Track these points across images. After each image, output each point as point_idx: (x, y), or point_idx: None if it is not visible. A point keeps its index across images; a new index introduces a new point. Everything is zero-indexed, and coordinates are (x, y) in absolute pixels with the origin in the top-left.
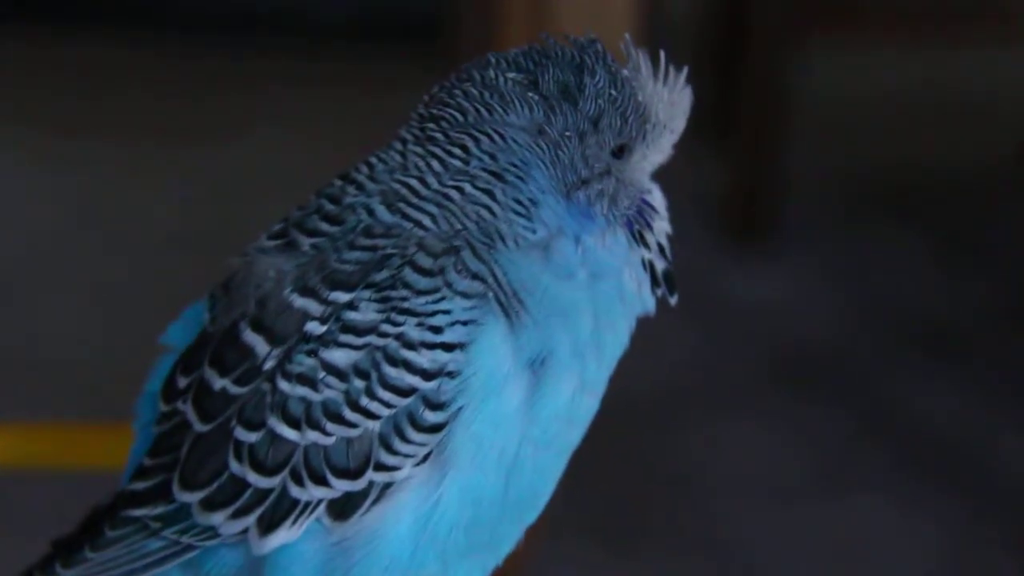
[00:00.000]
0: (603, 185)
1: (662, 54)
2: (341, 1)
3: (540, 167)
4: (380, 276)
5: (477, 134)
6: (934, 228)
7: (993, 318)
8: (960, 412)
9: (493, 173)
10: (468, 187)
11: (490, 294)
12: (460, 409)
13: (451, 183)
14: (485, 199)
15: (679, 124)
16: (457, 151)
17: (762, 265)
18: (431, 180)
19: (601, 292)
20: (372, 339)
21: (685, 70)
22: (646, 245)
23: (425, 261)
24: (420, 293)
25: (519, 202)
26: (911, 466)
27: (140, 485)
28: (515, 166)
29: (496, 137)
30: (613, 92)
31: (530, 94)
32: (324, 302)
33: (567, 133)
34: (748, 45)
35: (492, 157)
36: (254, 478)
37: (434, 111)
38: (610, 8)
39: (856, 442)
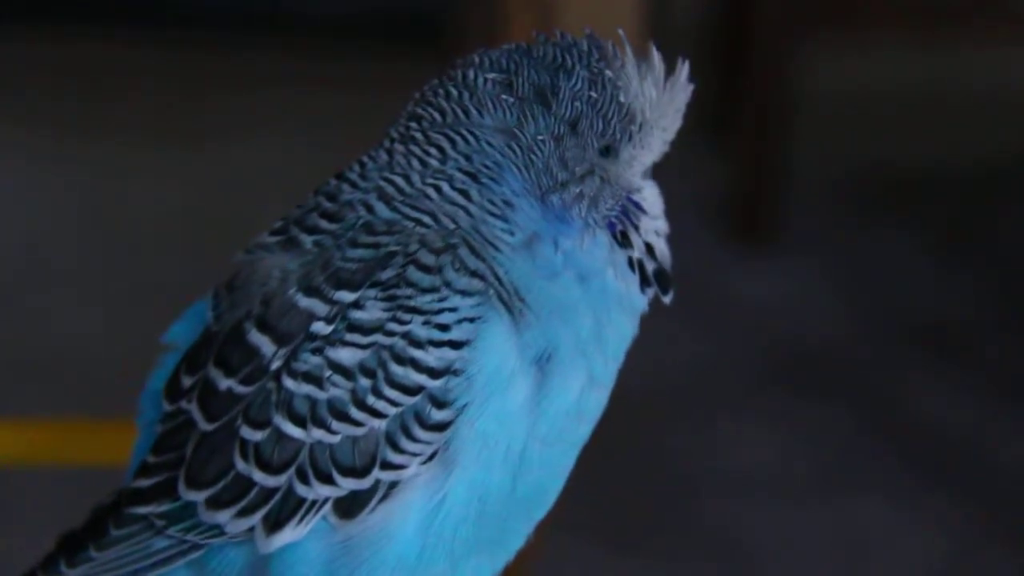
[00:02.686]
0: (582, 188)
1: (654, 52)
2: (344, 0)
3: (512, 170)
4: (385, 275)
5: (453, 135)
6: (937, 227)
7: (996, 318)
8: (962, 412)
9: (469, 174)
10: (445, 187)
11: (491, 291)
12: (465, 406)
13: (430, 181)
14: (461, 199)
15: (671, 124)
16: (434, 151)
17: (764, 264)
18: (415, 178)
19: (592, 291)
20: (378, 338)
21: (682, 68)
22: (630, 245)
23: (428, 258)
24: (425, 291)
25: (494, 203)
26: (913, 466)
27: (144, 482)
28: (488, 168)
29: (471, 139)
30: (592, 94)
31: (504, 96)
32: (329, 302)
33: (540, 137)
34: (751, 43)
35: (467, 158)
36: (260, 477)
37: (417, 110)
38: (613, 6)
39: (858, 442)
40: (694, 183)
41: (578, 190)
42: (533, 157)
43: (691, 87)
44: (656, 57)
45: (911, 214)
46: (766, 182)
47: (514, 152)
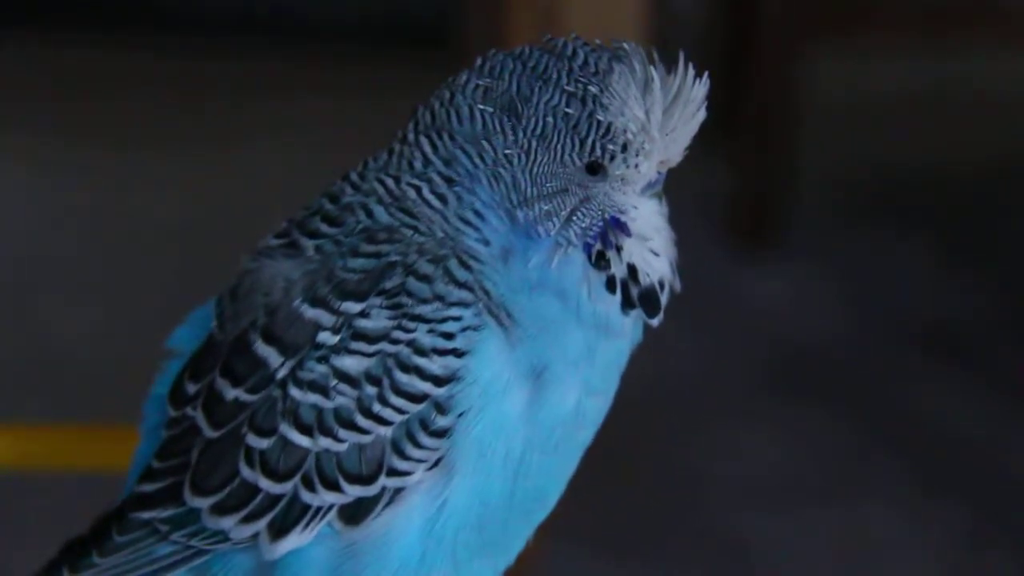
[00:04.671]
0: (553, 205)
1: (654, 73)
2: (346, 5)
3: (481, 182)
4: (390, 283)
5: (436, 139)
6: (939, 230)
7: (1000, 321)
8: (965, 415)
9: (447, 179)
10: (425, 189)
11: (481, 304)
12: (463, 414)
13: (413, 183)
14: (438, 204)
15: (666, 148)
16: (418, 154)
17: (767, 267)
18: (403, 179)
19: (570, 309)
20: (384, 346)
21: (691, 89)
22: (607, 267)
23: (426, 268)
24: (426, 300)
25: (465, 212)
26: (916, 469)
27: (148, 487)
28: (461, 176)
29: (450, 144)
30: (568, 110)
31: (480, 106)
32: (335, 312)
33: (507, 151)
34: (755, 48)
35: (446, 164)
36: (266, 484)
37: (418, 111)
38: (617, 11)
39: (861, 445)
40: (699, 186)
41: (547, 207)
42: (501, 171)
43: (701, 112)
44: (656, 76)
45: (914, 218)
46: (770, 186)
47: (484, 163)
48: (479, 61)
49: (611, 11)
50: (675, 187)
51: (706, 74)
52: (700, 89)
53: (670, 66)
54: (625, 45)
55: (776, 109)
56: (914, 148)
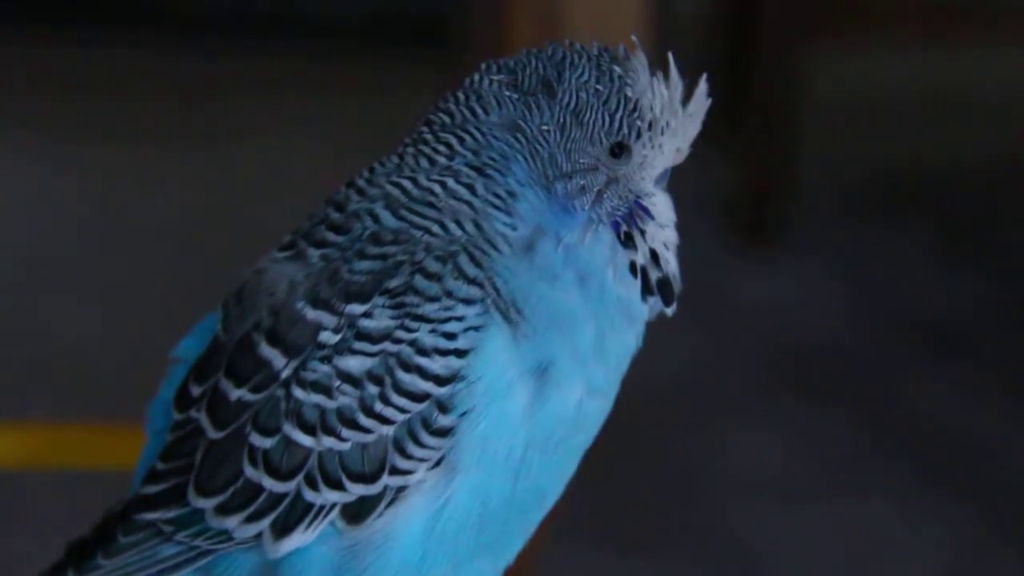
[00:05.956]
0: (587, 180)
1: (671, 57)
2: (347, 4)
3: (518, 160)
4: (394, 283)
5: (461, 133)
6: (941, 228)
7: (1002, 319)
8: (966, 413)
9: (475, 168)
10: (451, 182)
11: (489, 300)
12: (466, 413)
13: (436, 178)
14: (466, 193)
15: (683, 126)
16: (443, 149)
17: (768, 265)
18: (421, 178)
19: (591, 294)
20: (386, 345)
21: (703, 81)
22: (634, 248)
23: (434, 266)
24: (432, 299)
25: (497, 195)
26: (917, 468)
27: (153, 489)
28: (494, 160)
29: (478, 135)
30: (598, 86)
31: (507, 93)
32: (338, 314)
33: (544, 127)
34: (756, 46)
35: (474, 153)
36: (269, 483)
37: (430, 115)
38: (619, 7)
39: (861, 444)
40: (700, 184)
41: (582, 182)
42: (538, 147)
43: (708, 99)
44: (671, 59)
45: (915, 216)
46: (771, 184)
47: (520, 143)
48: (484, 66)
49: (612, 10)
50: (676, 185)
51: (703, 76)
52: (703, 81)
53: (667, 67)
54: (633, 38)
55: (776, 108)
56: (914, 147)
